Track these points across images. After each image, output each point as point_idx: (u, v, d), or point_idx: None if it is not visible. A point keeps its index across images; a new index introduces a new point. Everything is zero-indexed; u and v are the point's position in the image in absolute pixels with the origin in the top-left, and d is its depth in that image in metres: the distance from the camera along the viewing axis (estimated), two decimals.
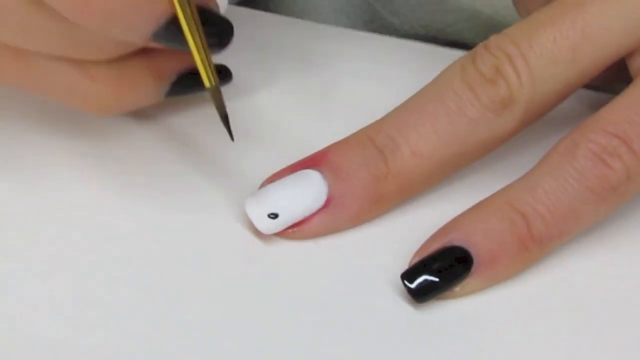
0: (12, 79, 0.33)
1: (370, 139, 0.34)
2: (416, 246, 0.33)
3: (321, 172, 0.34)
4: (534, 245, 0.32)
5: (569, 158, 0.32)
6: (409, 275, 0.32)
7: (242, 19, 0.42)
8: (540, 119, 0.34)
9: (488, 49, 0.33)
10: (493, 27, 0.45)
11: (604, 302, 0.33)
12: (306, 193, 0.33)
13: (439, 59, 0.40)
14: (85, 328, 0.31)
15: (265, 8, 0.47)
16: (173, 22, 0.31)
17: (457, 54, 0.42)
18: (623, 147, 0.31)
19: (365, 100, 0.38)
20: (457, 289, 0.32)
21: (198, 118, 0.38)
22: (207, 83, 0.32)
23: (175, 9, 0.31)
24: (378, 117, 0.35)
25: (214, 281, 0.33)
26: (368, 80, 0.39)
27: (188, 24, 0.31)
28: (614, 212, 0.33)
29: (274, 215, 0.33)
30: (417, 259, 0.33)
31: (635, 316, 0.33)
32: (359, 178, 0.34)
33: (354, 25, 0.46)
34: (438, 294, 0.32)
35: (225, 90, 0.37)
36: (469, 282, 0.32)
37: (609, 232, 0.35)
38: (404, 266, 0.33)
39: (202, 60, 0.32)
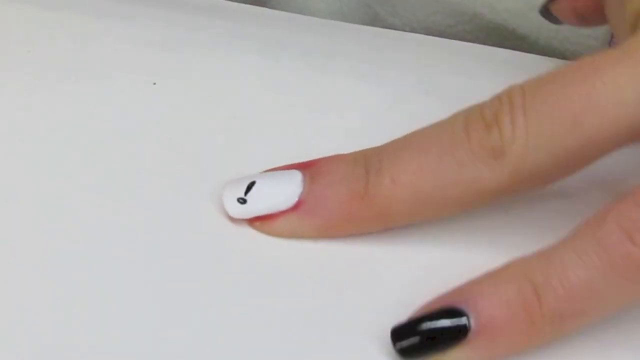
0: None
1: (365, 157, 0.33)
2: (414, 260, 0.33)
3: (303, 174, 0.33)
4: (542, 321, 0.29)
5: (594, 230, 0.29)
6: (397, 332, 0.30)
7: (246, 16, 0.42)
8: (540, 184, 0.32)
9: (501, 93, 0.31)
10: (494, 29, 0.45)
11: None
12: (279, 189, 0.33)
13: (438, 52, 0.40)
14: (79, 327, 0.31)
15: None
16: None
17: (456, 47, 0.42)
18: None
19: (364, 98, 0.38)
20: (447, 356, 0.29)
21: (198, 116, 0.38)
22: None
23: None
24: (377, 115, 0.35)
25: (207, 279, 0.32)
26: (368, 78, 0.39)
27: None
28: None
29: (242, 201, 0.33)
30: (411, 317, 0.30)
31: (634, 315, 0.31)
32: (335, 191, 0.32)
33: None
34: (426, 356, 0.30)
35: (224, 90, 0.38)
36: (462, 350, 0.29)
37: None
38: (399, 271, 0.32)
39: None
